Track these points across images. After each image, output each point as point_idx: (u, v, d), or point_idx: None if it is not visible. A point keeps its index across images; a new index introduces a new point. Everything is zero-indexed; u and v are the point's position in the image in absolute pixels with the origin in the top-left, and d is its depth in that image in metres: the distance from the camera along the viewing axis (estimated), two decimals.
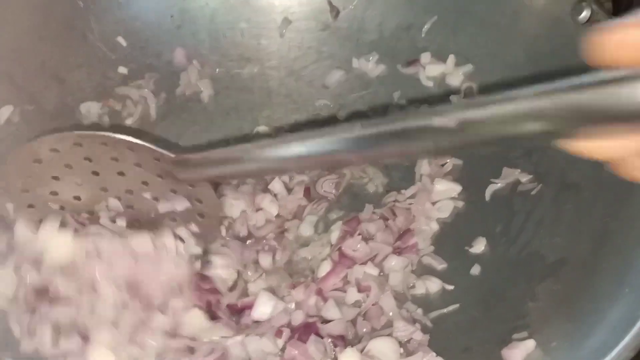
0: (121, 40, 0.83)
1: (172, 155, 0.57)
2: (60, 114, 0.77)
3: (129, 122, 0.80)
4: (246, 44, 0.88)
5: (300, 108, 0.85)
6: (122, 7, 0.83)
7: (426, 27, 0.84)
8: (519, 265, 0.65)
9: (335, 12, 0.88)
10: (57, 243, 0.55)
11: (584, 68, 0.32)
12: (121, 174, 0.60)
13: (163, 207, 0.60)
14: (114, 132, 0.58)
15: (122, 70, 0.83)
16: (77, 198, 0.61)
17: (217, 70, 0.86)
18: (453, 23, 0.83)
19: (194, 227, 0.60)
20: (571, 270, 0.60)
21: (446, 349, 0.60)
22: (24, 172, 0.59)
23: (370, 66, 0.86)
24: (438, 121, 0.37)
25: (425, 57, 0.83)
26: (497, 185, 0.72)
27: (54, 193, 0.61)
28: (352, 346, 0.58)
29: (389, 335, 0.60)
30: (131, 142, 0.57)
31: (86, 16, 0.81)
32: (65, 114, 0.78)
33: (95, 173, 0.60)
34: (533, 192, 0.70)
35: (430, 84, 0.83)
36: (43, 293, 0.55)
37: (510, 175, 0.72)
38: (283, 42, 0.88)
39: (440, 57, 0.83)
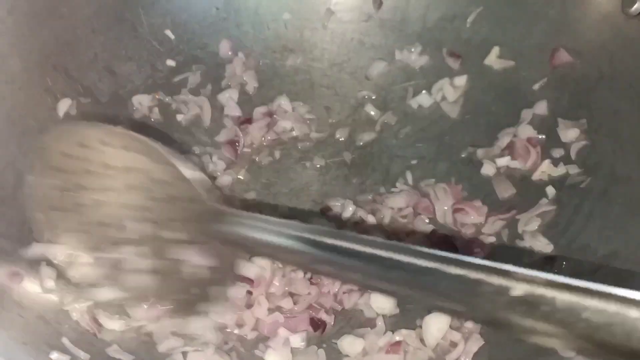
0: (169, 33, 0.84)
1: (211, 204, 0.50)
2: (114, 106, 0.79)
3: (179, 117, 0.82)
4: (289, 36, 0.89)
5: (342, 100, 0.85)
6: (170, 0, 0.84)
7: (471, 17, 0.84)
8: (569, 258, 0.65)
9: (378, 2, 0.88)
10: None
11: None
12: (153, 198, 0.52)
13: (176, 252, 0.53)
14: (164, 144, 0.52)
15: (170, 62, 0.84)
16: (99, 204, 0.54)
17: (261, 62, 0.88)
18: (499, 14, 0.82)
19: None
20: (623, 264, 0.61)
21: (497, 338, 0.61)
22: (65, 149, 0.54)
23: (414, 57, 0.86)
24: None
25: None
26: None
27: (82, 187, 0.54)
28: None
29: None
30: (178, 173, 0.51)
31: (136, 9, 0.82)
32: (118, 106, 0.80)
33: (130, 187, 0.53)
34: (582, 185, 0.70)
35: None
36: None
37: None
38: (326, 33, 0.89)
39: (485, 49, 0.83)
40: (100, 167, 0.54)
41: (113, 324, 0.60)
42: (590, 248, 0.65)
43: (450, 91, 0.83)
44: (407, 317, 0.64)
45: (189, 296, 0.54)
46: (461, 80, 0.83)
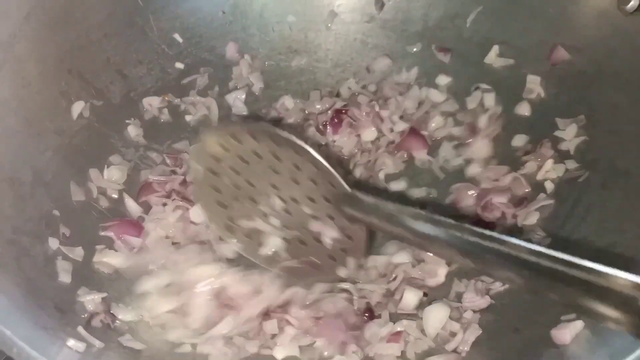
0: (177, 36, 0.87)
1: (348, 190, 0.61)
2: (125, 108, 0.82)
3: (188, 118, 0.85)
4: (294, 37, 0.91)
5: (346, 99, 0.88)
6: (178, 5, 0.87)
7: (471, 16, 0.85)
8: (568, 249, 0.66)
9: (380, 3, 0.90)
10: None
11: None
12: (295, 181, 0.64)
13: (315, 226, 0.64)
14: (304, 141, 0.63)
15: (179, 65, 0.87)
16: (251, 184, 0.66)
17: (267, 63, 0.90)
18: (499, 12, 0.84)
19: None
20: (621, 254, 0.62)
21: (495, 329, 0.63)
22: (221, 141, 0.66)
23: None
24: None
25: None
26: None
27: (235, 171, 0.66)
28: None
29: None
30: (318, 160, 0.62)
31: (146, 14, 0.85)
32: (130, 108, 0.83)
33: (275, 171, 0.65)
34: (580, 180, 0.71)
35: None
36: None
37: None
38: (329, 34, 0.91)
39: (485, 47, 0.84)
40: (251, 154, 0.65)
41: (126, 315, 0.63)
42: (588, 240, 0.66)
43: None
44: None
45: (322, 262, 0.65)
46: (446, 79, 0.85)
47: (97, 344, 0.59)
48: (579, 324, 0.57)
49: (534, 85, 0.79)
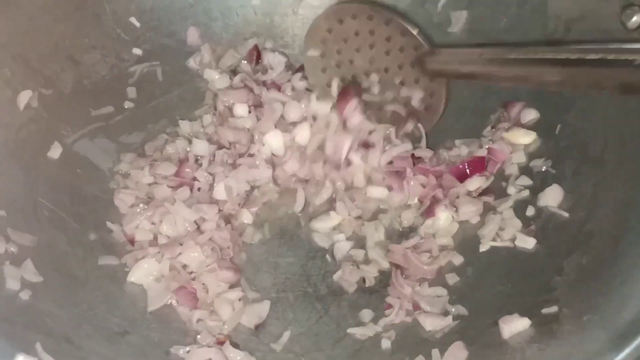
0: (134, 20, 0.82)
1: (429, 47, 0.72)
2: (78, 97, 0.76)
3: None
4: (259, 22, 0.87)
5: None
6: None
7: (442, 1, 0.83)
8: (544, 239, 0.66)
9: None
10: None
11: None
12: (387, 53, 0.74)
13: (405, 91, 0.74)
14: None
15: (137, 51, 0.82)
16: (351, 62, 0.77)
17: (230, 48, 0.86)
18: None
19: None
20: (597, 243, 0.61)
21: (476, 323, 0.61)
22: (329, 26, 0.77)
23: None
24: None
25: None
26: None
27: (339, 51, 0.78)
28: None
29: None
30: (404, 26, 0.73)
31: None
32: (83, 97, 0.77)
33: (371, 46, 0.75)
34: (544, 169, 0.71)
35: None
36: None
37: None
38: (296, 18, 0.87)
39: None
40: (350, 34, 0.76)
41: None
42: (565, 229, 0.65)
43: None
44: None
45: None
46: None
47: None
48: (523, 322, 0.57)
49: None
